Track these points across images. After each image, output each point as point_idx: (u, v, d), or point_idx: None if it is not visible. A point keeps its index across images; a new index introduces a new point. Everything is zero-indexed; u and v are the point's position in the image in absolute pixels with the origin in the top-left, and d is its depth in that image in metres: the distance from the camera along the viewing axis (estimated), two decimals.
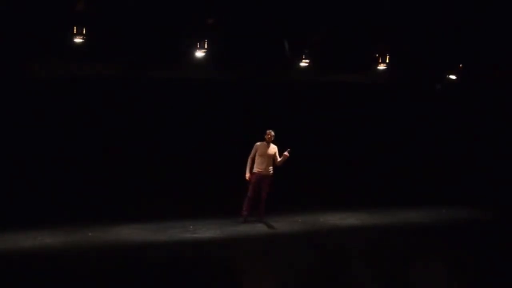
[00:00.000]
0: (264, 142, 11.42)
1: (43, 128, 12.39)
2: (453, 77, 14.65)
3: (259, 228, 11.26)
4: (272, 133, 11.37)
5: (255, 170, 11.44)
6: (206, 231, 10.75)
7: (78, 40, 11.14)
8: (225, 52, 12.63)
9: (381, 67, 13.67)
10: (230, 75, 13.71)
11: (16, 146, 12.15)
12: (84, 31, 11.08)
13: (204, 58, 12.21)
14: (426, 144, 15.58)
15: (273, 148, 11.50)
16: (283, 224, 11.67)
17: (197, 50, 12.06)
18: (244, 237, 10.49)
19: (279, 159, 11.45)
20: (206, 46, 12.05)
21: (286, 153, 11.31)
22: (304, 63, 13.26)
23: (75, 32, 11.08)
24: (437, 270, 8.42)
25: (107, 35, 11.58)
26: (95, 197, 12.17)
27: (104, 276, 7.80)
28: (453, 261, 9.06)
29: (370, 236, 11.00)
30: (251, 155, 11.47)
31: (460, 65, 14.55)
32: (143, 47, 12.13)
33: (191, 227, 11.02)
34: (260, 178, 11.45)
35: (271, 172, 11.52)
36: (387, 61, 13.67)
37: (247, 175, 11.46)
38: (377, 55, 13.73)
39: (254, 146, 11.47)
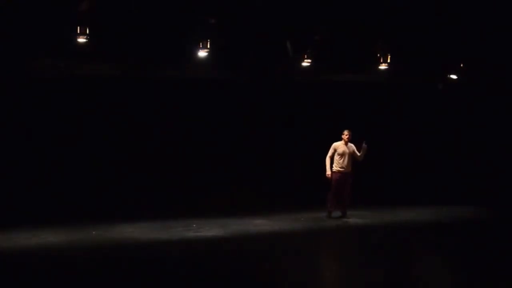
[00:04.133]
0: (342, 142, 12.18)
1: (46, 127, 12.42)
2: (454, 76, 14.66)
3: (262, 226, 11.31)
4: (346, 132, 12.14)
5: (336, 168, 12.17)
6: (210, 229, 10.79)
7: (81, 40, 11.17)
8: (227, 52, 12.65)
9: (383, 66, 13.68)
10: (232, 75, 13.74)
11: (18, 145, 12.17)
12: (87, 31, 11.13)
13: (207, 58, 12.23)
14: (428, 142, 15.62)
15: (350, 146, 12.22)
16: (286, 222, 11.71)
17: (200, 50, 12.09)
18: (247, 235, 10.54)
19: (359, 154, 12.22)
20: (208, 46, 12.09)
21: (364, 145, 12.10)
22: (306, 63, 13.28)
23: (78, 32, 11.13)
24: (440, 268, 8.44)
25: (110, 35, 11.62)
26: (98, 196, 12.22)
27: (107, 274, 7.83)
28: (455, 259, 9.09)
29: (372, 235, 11.05)
30: (329, 154, 12.23)
31: (462, 65, 14.56)
32: (147, 47, 12.15)
33: (194, 225, 11.07)
34: (342, 175, 12.14)
35: (351, 169, 12.22)
36: (388, 60, 13.68)
37: (328, 173, 12.17)
38: (378, 54, 13.74)
39: (332, 146, 12.21)
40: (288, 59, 13.17)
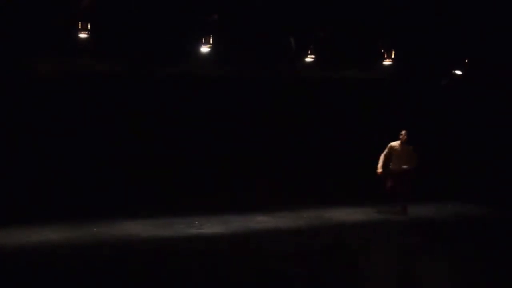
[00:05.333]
0: (399, 142, 12.43)
1: (47, 124, 12.37)
2: (458, 72, 14.58)
3: (264, 223, 11.25)
4: (404, 132, 12.38)
5: (393, 167, 12.44)
6: (212, 226, 10.74)
7: (83, 35, 11.12)
8: (230, 49, 12.59)
9: (387, 62, 13.60)
10: (235, 71, 13.67)
11: (19, 142, 12.13)
12: (89, 26, 11.08)
13: (209, 54, 12.17)
14: (430, 139, 15.53)
15: (408, 148, 12.43)
16: (288, 220, 11.67)
17: (202, 46, 12.03)
18: (249, 233, 10.48)
19: (416, 157, 12.43)
20: (211, 42, 12.03)
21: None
22: (309, 59, 13.22)
23: (79, 27, 11.08)
24: (443, 266, 8.37)
25: (112, 31, 11.58)
26: (100, 193, 12.16)
27: (107, 270, 7.78)
28: (458, 256, 9.02)
29: (374, 232, 10.98)
30: (384, 153, 12.50)
31: (466, 60, 14.48)
32: (148, 43, 12.10)
33: (196, 222, 11.02)
34: (397, 174, 12.37)
35: (409, 168, 12.35)
36: (393, 56, 13.61)
37: (379, 170, 12.40)
38: (382, 50, 13.67)
39: (389, 146, 12.49)
40: (292, 55, 13.11)
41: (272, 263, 8.26)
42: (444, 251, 9.32)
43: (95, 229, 10.28)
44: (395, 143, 12.49)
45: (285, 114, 14.33)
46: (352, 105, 14.73)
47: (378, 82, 14.78)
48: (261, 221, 11.41)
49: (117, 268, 7.97)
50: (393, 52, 13.58)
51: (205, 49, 12.05)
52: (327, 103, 14.56)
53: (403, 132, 12.43)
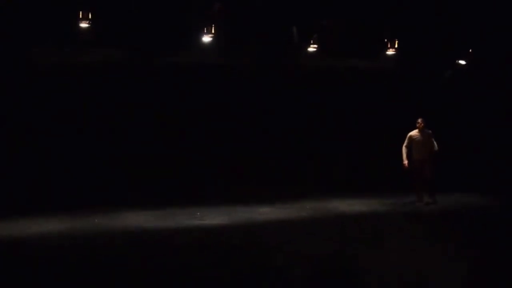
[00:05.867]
0: (417, 130, 12.34)
1: (49, 115, 12.32)
2: (462, 62, 14.50)
3: (267, 215, 11.19)
4: (420, 120, 12.28)
5: (415, 157, 12.35)
6: (214, 217, 10.68)
7: (84, 25, 11.05)
8: (232, 38, 12.52)
9: (390, 52, 13.52)
10: (237, 60, 13.59)
11: (21, 135, 12.09)
12: (89, 16, 11.01)
13: (211, 43, 12.09)
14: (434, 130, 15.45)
15: (427, 134, 12.34)
16: (292, 211, 11.61)
17: (204, 35, 11.95)
18: (251, 223, 10.41)
19: (435, 143, 12.36)
20: (213, 31, 11.95)
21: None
22: (312, 48, 13.13)
23: (80, 17, 11.01)
24: (446, 257, 8.29)
25: (113, 20, 11.51)
26: (101, 184, 12.11)
27: (110, 262, 7.72)
28: (460, 247, 8.94)
29: (376, 223, 10.91)
30: (405, 144, 12.39)
31: (470, 51, 14.40)
32: (150, 33, 12.03)
33: (198, 213, 10.96)
34: (420, 163, 12.31)
35: (430, 156, 12.30)
36: (396, 46, 13.54)
37: (405, 162, 12.27)
38: (385, 40, 13.59)
39: (408, 136, 12.39)
40: (294, 44, 13.04)
41: (270, 255, 8.18)
42: (449, 240, 9.27)
43: (96, 220, 10.23)
44: (414, 132, 12.38)
45: (287, 104, 14.26)
46: (355, 95, 14.64)
47: (381, 72, 14.69)
48: (264, 213, 11.34)
49: (118, 258, 7.91)
50: (396, 42, 13.52)
51: (207, 38, 11.98)
52: (330, 92, 14.47)
53: (419, 120, 12.32)
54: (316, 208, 11.94)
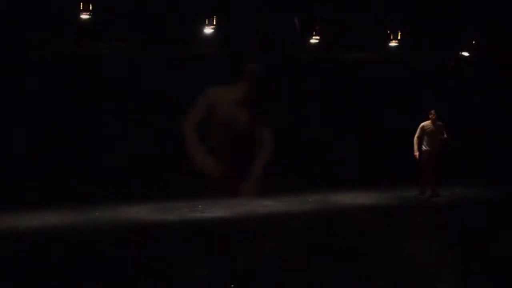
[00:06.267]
0: (429, 121, 12.33)
1: (52, 106, 12.26)
2: (466, 54, 14.43)
3: (270, 207, 11.13)
4: (433, 112, 12.27)
5: (426, 148, 12.36)
6: (216, 210, 10.61)
7: (84, 16, 11.00)
8: (233, 29, 12.45)
9: (393, 43, 13.46)
10: (237, 52, 13.50)
11: (24, 125, 12.04)
12: (90, 7, 10.96)
13: (212, 34, 12.03)
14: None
15: (439, 126, 12.36)
16: (293, 204, 11.56)
17: (206, 27, 11.88)
18: (252, 217, 10.34)
19: (445, 135, 12.38)
20: (214, 23, 11.89)
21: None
22: (314, 40, 13.06)
23: (81, 8, 10.96)
24: (446, 249, 8.25)
25: (114, 11, 11.44)
26: (102, 177, 12.04)
27: (111, 254, 7.66)
28: (460, 239, 8.88)
29: (380, 215, 10.86)
30: (417, 135, 12.38)
31: (474, 42, 14.32)
32: (152, 24, 11.96)
33: (200, 206, 10.91)
34: (429, 155, 12.32)
35: (439, 149, 12.42)
36: (399, 37, 13.48)
37: (416, 153, 12.30)
38: (388, 31, 13.53)
39: (420, 127, 12.37)
40: (296, 35, 12.96)
41: (269, 247, 8.12)
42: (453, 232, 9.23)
43: (97, 213, 10.17)
44: (427, 123, 12.39)
45: (290, 95, 14.17)
46: (358, 87, 14.56)
47: (385, 64, 14.61)
48: (267, 205, 11.28)
49: (119, 251, 7.86)
50: (399, 33, 13.46)
51: (208, 30, 11.92)
52: (332, 84, 14.39)
53: (432, 111, 12.31)
54: (319, 201, 11.90)
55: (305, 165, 13.89)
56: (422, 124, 12.39)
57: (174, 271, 6.93)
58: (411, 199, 12.44)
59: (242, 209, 10.78)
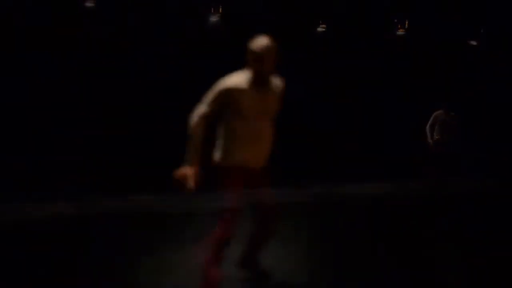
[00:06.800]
0: (442, 111, 12.35)
1: (54, 94, 12.26)
2: (473, 42, 14.39)
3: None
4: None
5: (436, 137, 12.42)
6: (214, 201, 10.56)
7: (89, 5, 11.00)
8: (239, 17, 12.44)
9: (400, 32, 13.45)
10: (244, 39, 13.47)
11: (28, 116, 12.05)
12: None
13: (219, 22, 12.01)
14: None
15: (452, 116, 12.38)
16: (295, 197, 11.53)
17: (212, 15, 11.88)
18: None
19: (456, 124, 12.42)
20: (220, 11, 11.89)
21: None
22: (321, 29, 13.04)
23: None
24: (447, 241, 8.23)
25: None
26: (111, 167, 12.04)
27: (118, 242, 7.65)
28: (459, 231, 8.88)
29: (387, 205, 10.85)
30: (430, 123, 12.49)
31: (482, 31, 14.29)
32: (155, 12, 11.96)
33: (211, 197, 10.86)
34: (439, 144, 12.41)
35: (449, 140, 12.41)
36: (406, 26, 13.48)
37: (430, 140, 12.49)
38: (395, 20, 13.53)
39: (433, 115, 12.46)
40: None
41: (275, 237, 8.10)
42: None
43: (103, 202, 10.15)
44: (440, 112, 12.42)
45: (295, 85, 14.13)
46: (364, 76, 14.54)
47: (391, 53, 14.60)
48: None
49: (126, 239, 7.85)
50: (407, 22, 13.46)
51: (214, 18, 11.91)
52: (339, 73, 14.38)
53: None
54: (324, 193, 11.88)
55: (313, 155, 13.92)
56: (435, 113, 12.48)
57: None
58: (419, 188, 12.42)
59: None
